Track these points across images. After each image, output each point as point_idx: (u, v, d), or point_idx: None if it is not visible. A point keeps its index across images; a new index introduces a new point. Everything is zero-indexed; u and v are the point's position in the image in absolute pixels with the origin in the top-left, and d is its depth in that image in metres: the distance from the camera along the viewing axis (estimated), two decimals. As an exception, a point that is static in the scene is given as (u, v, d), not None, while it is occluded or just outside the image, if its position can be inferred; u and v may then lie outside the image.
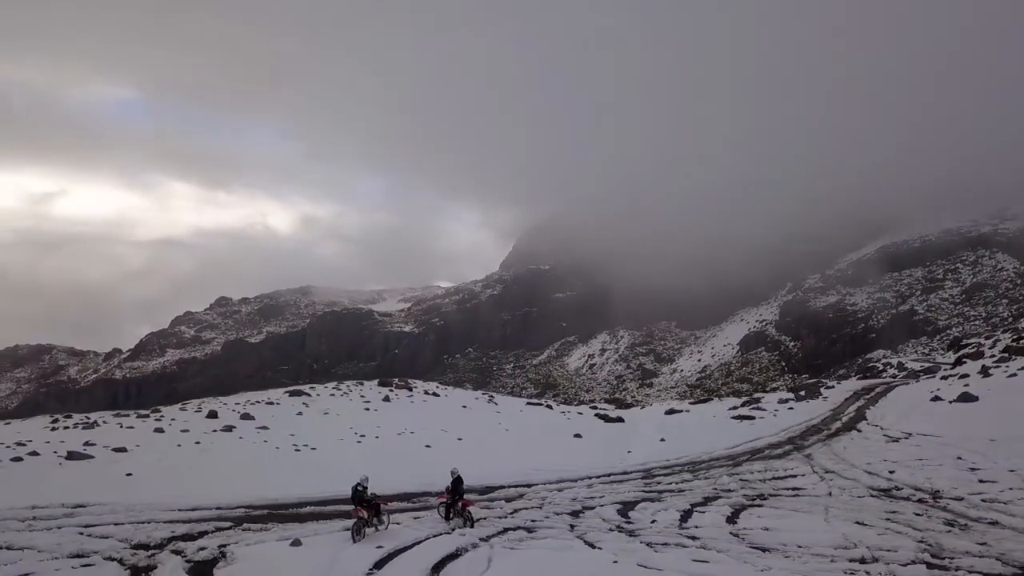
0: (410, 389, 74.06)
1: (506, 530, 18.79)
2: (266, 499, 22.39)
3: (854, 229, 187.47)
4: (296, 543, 16.97)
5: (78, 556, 16.00)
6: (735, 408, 62.32)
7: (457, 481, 19.82)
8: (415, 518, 20.52)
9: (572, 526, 19.29)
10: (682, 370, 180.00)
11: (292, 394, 61.89)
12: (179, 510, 20.56)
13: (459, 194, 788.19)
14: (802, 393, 68.25)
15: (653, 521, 19.79)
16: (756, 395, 76.97)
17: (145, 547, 16.97)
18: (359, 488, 18.33)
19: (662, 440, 42.25)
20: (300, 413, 51.44)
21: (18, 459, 29.61)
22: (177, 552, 16.38)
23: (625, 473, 30.12)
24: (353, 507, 18.06)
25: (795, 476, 27.91)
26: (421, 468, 29.31)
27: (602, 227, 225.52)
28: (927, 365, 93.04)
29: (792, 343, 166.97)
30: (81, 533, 17.94)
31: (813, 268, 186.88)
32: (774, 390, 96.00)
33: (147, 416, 47.42)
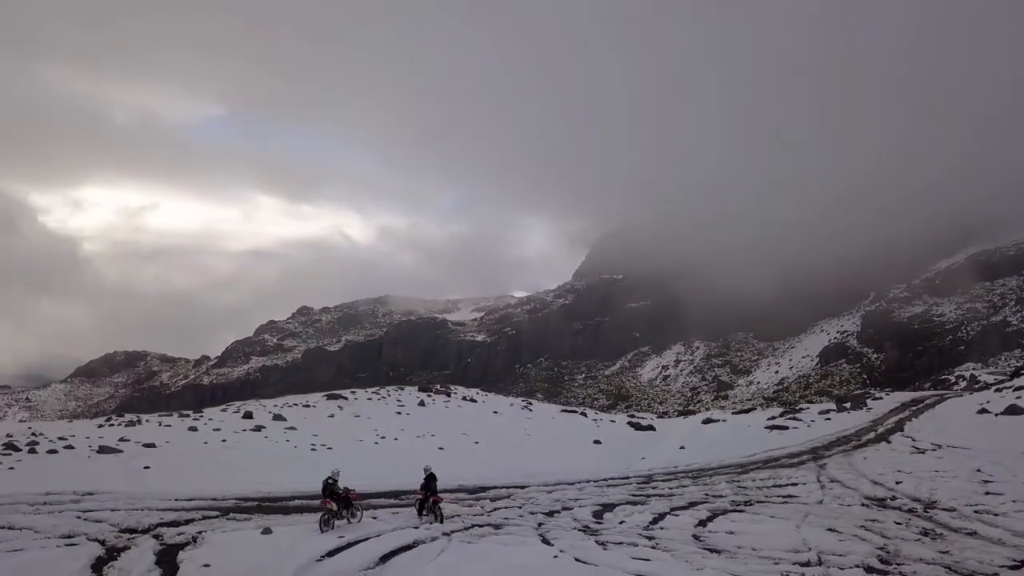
0: (448, 395, 75.31)
1: (473, 526, 19.28)
2: (261, 492, 23.51)
3: (943, 236, 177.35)
4: (267, 531, 17.89)
5: (68, 536, 17.26)
6: (773, 418, 61.02)
7: (430, 478, 20.45)
8: (394, 513, 21.19)
9: (540, 524, 19.63)
10: (759, 382, 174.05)
11: (330, 397, 63.88)
12: (176, 499, 21.84)
13: (534, 204, 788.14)
14: (846, 405, 66.15)
15: (622, 522, 19.96)
16: (800, 406, 74.92)
17: (132, 531, 18.15)
18: (329, 481, 19.14)
19: (681, 448, 41.89)
20: (332, 415, 53.11)
21: (53, 451, 31.86)
22: (156, 536, 17.50)
23: (626, 478, 30.13)
24: (322, 499, 18.90)
25: (796, 484, 27.43)
26: (422, 468, 29.98)
27: (676, 236, 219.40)
28: (1000, 378, 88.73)
29: (875, 355, 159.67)
30: (79, 517, 19.30)
31: (898, 277, 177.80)
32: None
33: (187, 416, 49.89)
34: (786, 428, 52.15)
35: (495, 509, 22.26)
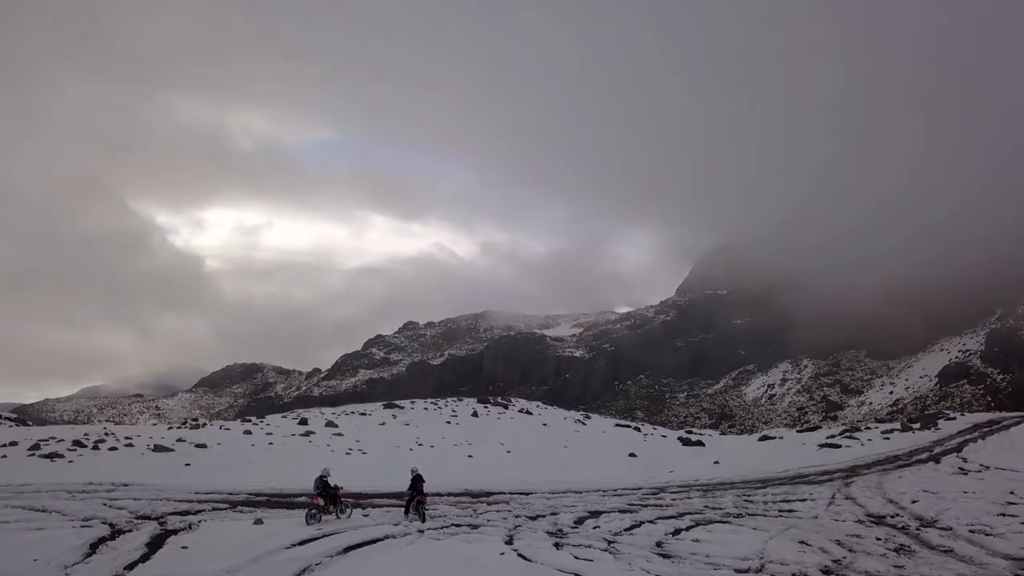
0: (505, 407, 76.57)
1: (451, 525, 20.28)
2: (274, 488, 25.38)
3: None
4: (258, 522, 19.51)
5: (87, 520, 19.43)
6: (832, 436, 58.93)
7: (416, 479, 21.59)
8: (386, 512, 22.44)
9: (516, 526, 20.39)
10: (871, 403, 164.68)
11: (386, 407, 66.25)
12: (195, 492, 23.94)
13: (637, 218, 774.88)
14: (913, 425, 63.00)
15: (596, 528, 20.47)
16: (867, 425, 71.78)
17: (145, 517, 20.16)
18: (322, 479, 20.62)
19: (715, 463, 41.41)
20: (383, 423, 55.21)
21: (114, 448, 35.02)
22: (161, 523, 19.42)
23: (637, 489, 30.37)
24: (311, 495, 20.38)
25: (804, 500, 26.95)
26: (442, 473, 31.28)
27: (783, 250, 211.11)
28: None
29: (1000, 376, 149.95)
30: (105, 504, 21.57)
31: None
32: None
33: (249, 421, 53.13)
34: (838, 447, 50.30)
35: (486, 511, 23.18)
